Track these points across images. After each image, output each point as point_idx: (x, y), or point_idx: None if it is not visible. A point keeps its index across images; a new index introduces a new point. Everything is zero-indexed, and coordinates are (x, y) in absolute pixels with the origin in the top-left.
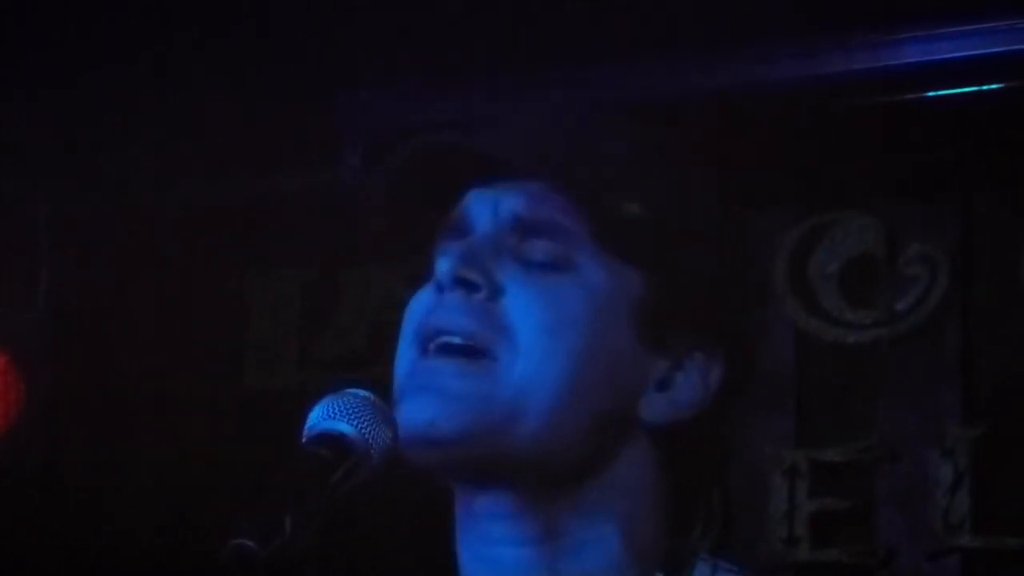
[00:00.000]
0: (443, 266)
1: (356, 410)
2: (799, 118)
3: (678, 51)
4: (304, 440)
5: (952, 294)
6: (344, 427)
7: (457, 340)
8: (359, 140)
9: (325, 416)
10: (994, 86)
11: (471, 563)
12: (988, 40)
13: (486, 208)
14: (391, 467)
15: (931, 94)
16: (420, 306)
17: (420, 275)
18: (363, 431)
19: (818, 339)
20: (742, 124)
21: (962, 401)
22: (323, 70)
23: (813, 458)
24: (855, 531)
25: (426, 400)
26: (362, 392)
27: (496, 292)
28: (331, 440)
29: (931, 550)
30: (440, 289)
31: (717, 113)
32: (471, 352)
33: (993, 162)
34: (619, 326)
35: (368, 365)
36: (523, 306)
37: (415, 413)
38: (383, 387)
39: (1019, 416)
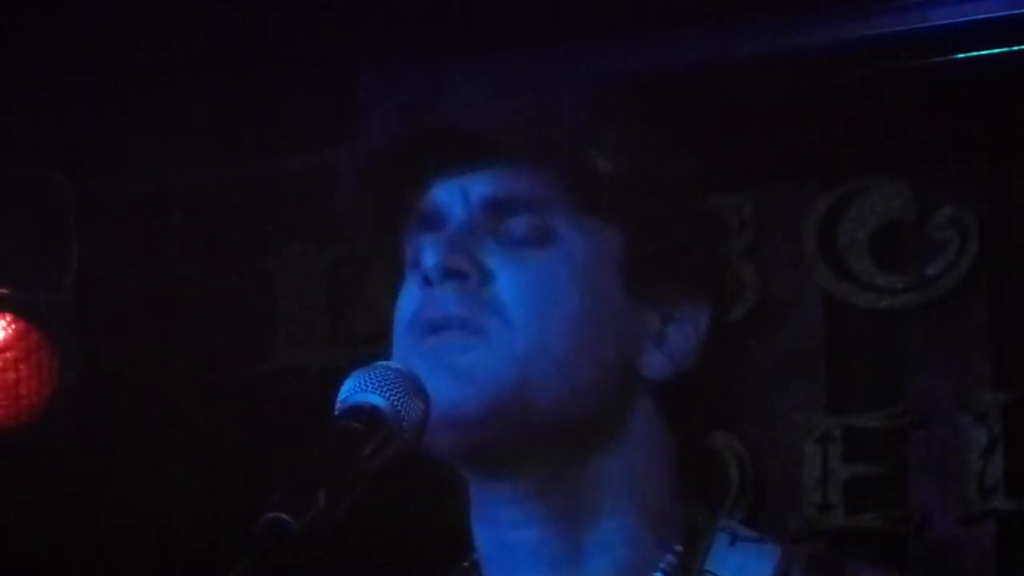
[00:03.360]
0: (429, 260)
1: (388, 382)
2: (828, 84)
3: (704, 18)
4: (336, 413)
5: (983, 258)
6: (376, 399)
7: (454, 325)
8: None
9: (357, 389)
10: None
11: (491, 548)
12: (1018, 0)
13: (456, 196)
14: (422, 440)
15: (960, 56)
16: (410, 302)
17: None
18: (395, 403)
19: (849, 305)
20: (770, 92)
21: (993, 366)
22: (347, 44)
23: (846, 424)
24: (889, 497)
25: (441, 382)
26: (393, 364)
27: (486, 277)
28: (363, 413)
29: (965, 515)
30: (429, 283)
31: (745, 82)
32: (469, 329)
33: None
34: (607, 285)
35: None
36: (513, 286)
37: (434, 397)
38: None
39: None
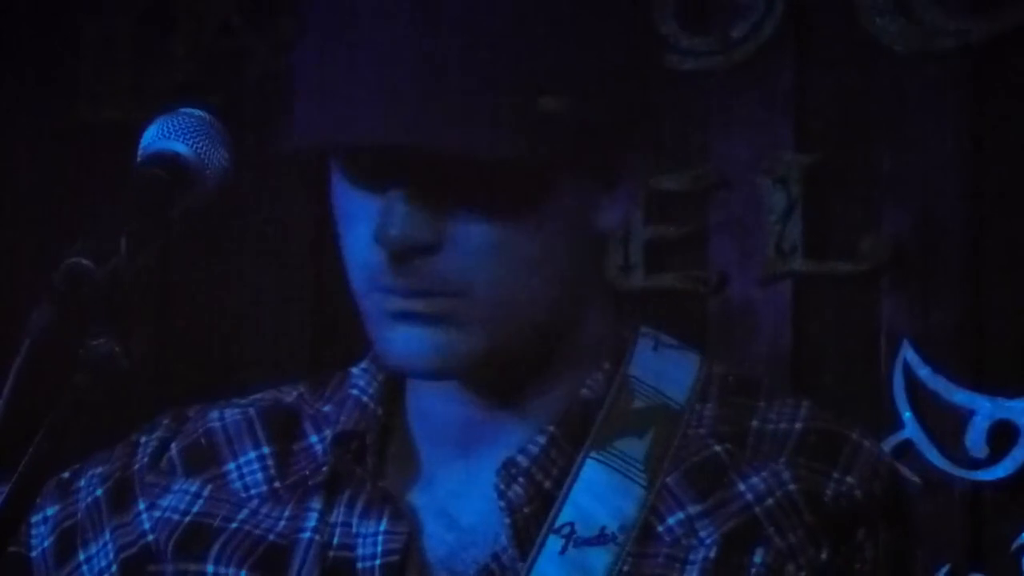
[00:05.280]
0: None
1: (192, 130)
2: None
3: None
4: (138, 160)
5: (787, 23)
6: (179, 147)
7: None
8: None
9: (160, 136)
10: None
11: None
12: None
13: None
14: (226, 190)
15: None
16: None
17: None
18: (199, 151)
19: None
20: None
21: (795, 130)
22: None
23: (648, 186)
24: (689, 257)
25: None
26: (197, 112)
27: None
28: (166, 160)
29: (763, 275)
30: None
31: None
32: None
33: None
34: None
35: (205, 94)
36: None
37: (410, 345)
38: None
39: (850, 144)
